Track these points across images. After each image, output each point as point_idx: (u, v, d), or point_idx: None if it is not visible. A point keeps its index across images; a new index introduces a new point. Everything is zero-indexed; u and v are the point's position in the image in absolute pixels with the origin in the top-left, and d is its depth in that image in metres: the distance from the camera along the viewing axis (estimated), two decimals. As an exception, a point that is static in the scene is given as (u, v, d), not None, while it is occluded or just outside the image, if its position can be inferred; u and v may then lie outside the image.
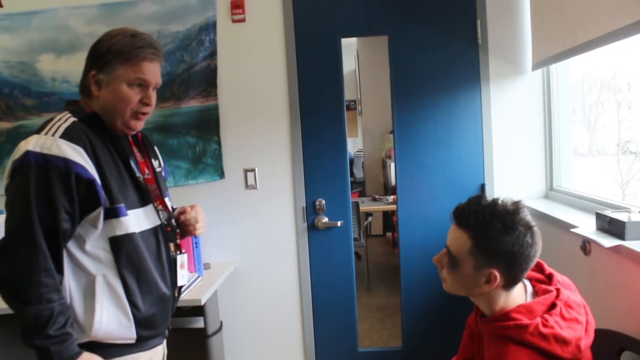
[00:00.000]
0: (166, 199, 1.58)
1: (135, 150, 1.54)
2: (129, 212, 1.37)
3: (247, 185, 2.74)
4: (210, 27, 2.66)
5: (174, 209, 1.65)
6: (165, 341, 1.61)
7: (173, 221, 1.57)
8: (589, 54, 2.10)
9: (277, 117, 2.70)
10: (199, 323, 2.49)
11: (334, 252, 2.75)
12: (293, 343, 2.80)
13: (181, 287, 1.60)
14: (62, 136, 1.29)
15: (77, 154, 1.28)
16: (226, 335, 2.71)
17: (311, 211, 2.74)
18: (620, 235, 1.65)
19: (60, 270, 1.29)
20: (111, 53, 1.36)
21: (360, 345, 2.82)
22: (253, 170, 2.73)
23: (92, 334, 1.32)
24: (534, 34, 2.56)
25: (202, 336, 2.43)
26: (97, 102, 1.40)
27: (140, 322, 1.39)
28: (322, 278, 2.76)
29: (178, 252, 1.55)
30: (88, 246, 1.33)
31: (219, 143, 2.70)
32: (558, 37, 2.24)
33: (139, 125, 1.45)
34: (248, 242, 2.75)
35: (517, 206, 1.28)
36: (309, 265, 2.75)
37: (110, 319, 1.34)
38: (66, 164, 1.26)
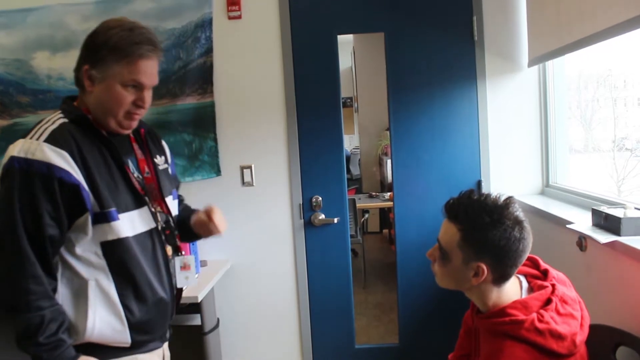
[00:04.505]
0: (169, 198, 1.54)
1: (135, 147, 1.49)
2: (122, 215, 1.33)
3: (243, 183, 2.73)
4: (206, 24, 2.65)
5: (186, 207, 1.63)
6: (166, 344, 1.59)
7: (172, 223, 1.51)
8: (585, 51, 2.10)
9: (273, 114, 2.70)
10: (195, 320, 2.49)
11: (331, 249, 2.75)
12: (290, 340, 2.80)
13: (181, 289, 1.56)
14: (47, 140, 1.26)
15: (60, 159, 1.24)
16: (223, 332, 2.70)
17: (308, 208, 2.73)
18: (616, 231, 1.65)
19: (52, 276, 1.27)
20: (106, 48, 1.30)
21: (357, 341, 2.82)
22: (249, 167, 2.72)
23: (85, 337, 1.30)
24: (530, 30, 2.56)
25: (199, 333, 2.43)
26: (90, 97, 1.35)
27: (135, 327, 1.36)
28: (318, 275, 2.76)
29: (177, 254, 1.51)
30: (79, 250, 1.31)
31: (215, 140, 2.69)
32: (554, 33, 2.24)
33: (133, 124, 1.41)
34: (245, 239, 2.75)
35: (507, 201, 1.28)
36: (305, 262, 2.75)
37: (104, 324, 1.31)
38: (49, 169, 1.23)
